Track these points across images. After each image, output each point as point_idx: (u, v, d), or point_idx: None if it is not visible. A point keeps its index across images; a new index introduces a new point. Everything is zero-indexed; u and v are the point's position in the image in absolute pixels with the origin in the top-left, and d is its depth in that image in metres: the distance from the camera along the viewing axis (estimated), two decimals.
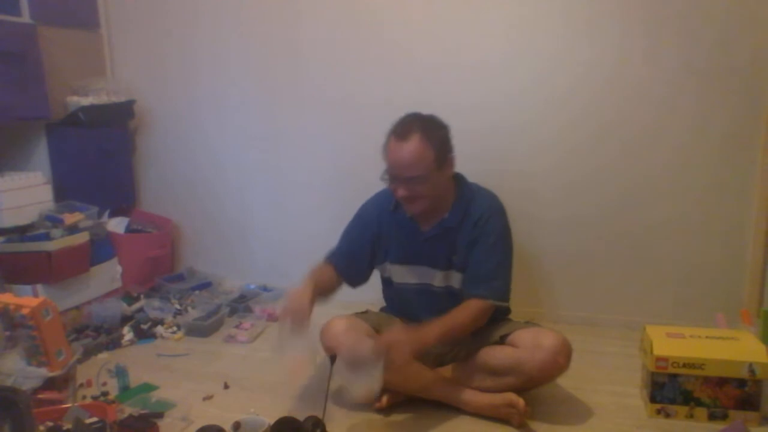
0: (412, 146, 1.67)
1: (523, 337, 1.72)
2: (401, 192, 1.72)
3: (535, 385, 1.73)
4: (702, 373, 1.68)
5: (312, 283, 1.76)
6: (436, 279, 1.85)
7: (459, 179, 1.85)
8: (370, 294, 2.09)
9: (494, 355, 1.74)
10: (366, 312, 1.97)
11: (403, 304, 1.93)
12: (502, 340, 1.77)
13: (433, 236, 1.81)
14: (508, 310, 1.93)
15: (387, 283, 1.96)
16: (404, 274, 1.89)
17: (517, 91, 2.39)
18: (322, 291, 1.83)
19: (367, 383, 1.57)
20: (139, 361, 2.13)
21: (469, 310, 1.73)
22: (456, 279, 1.83)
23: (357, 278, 1.95)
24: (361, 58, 2.57)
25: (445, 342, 1.75)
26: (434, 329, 1.68)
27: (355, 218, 1.96)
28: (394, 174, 1.71)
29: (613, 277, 2.42)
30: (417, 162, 1.67)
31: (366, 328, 1.79)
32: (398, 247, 1.87)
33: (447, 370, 1.85)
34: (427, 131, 1.69)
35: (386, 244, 1.89)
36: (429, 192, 1.72)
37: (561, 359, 1.66)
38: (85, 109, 2.61)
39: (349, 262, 1.92)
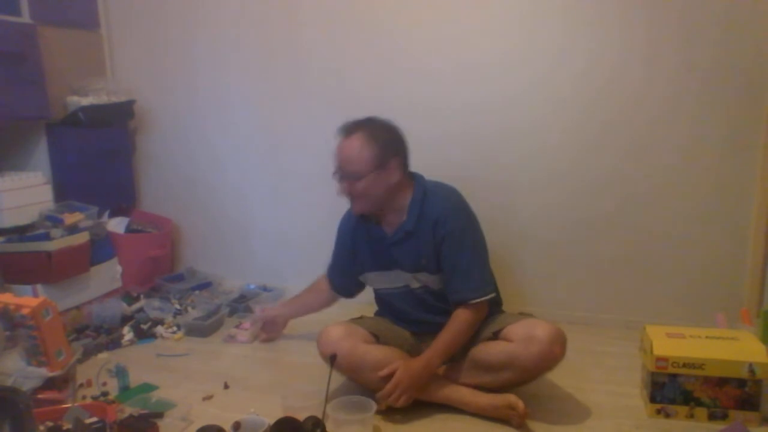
0: (353, 142, 1.77)
1: (516, 330, 1.71)
2: (340, 188, 1.82)
3: (532, 377, 1.73)
4: (702, 373, 1.68)
5: (285, 310, 2.26)
6: (411, 280, 1.86)
7: (417, 181, 1.86)
8: (371, 295, 2.09)
9: (488, 351, 1.74)
10: (361, 318, 1.97)
11: (391, 308, 1.94)
12: (495, 336, 1.77)
13: (397, 241, 1.84)
14: (498, 303, 1.93)
15: (374, 290, 2.00)
16: (382, 281, 1.91)
17: (517, 92, 2.39)
18: (305, 307, 2.24)
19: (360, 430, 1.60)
20: (139, 361, 2.13)
21: (459, 321, 1.77)
22: (430, 280, 1.84)
23: (351, 289, 2.07)
24: (361, 58, 2.57)
25: (450, 356, 1.79)
26: (435, 357, 1.73)
27: (336, 235, 2.04)
28: (337, 169, 1.81)
29: (613, 277, 2.42)
30: (355, 158, 1.76)
31: (363, 333, 1.79)
32: (371, 254, 1.91)
33: (442, 369, 1.85)
34: (371, 132, 1.78)
35: (362, 255, 1.93)
36: (366, 191, 1.78)
37: (556, 349, 1.66)
38: (85, 109, 2.61)
39: (341, 275, 2.05)
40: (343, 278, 2.06)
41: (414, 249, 1.82)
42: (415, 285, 1.86)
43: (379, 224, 1.88)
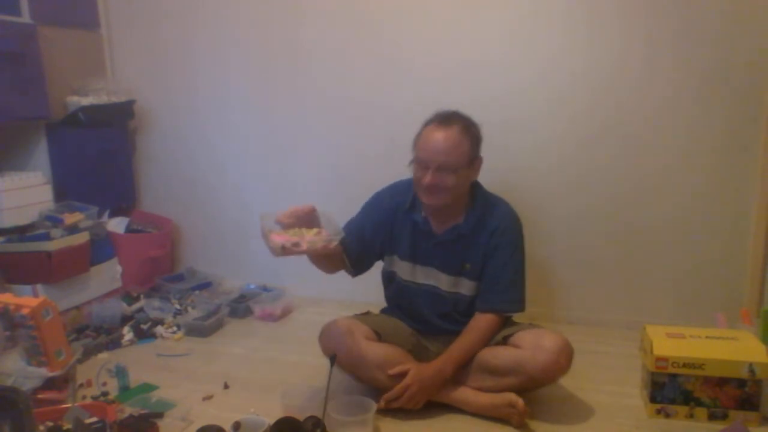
0: (452, 133, 1.70)
1: (524, 337, 1.73)
2: (428, 179, 1.71)
3: (536, 385, 1.73)
4: (702, 373, 1.68)
5: None
6: (444, 283, 1.86)
7: (475, 186, 1.87)
8: (371, 295, 2.09)
9: (495, 354, 1.75)
10: (367, 314, 1.97)
11: (406, 302, 1.94)
12: (504, 341, 1.77)
13: (446, 240, 1.83)
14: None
15: (390, 278, 1.96)
16: (411, 273, 1.89)
17: (516, 91, 2.39)
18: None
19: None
20: (139, 361, 2.13)
21: (482, 329, 1.78)
22: (466, 286, 1.85)
23: (359, 262, 1.90)
24: (361, 58, 2.57)
25: (463, 365, 1.78)
26: (449, 365, 1.73)
27: (370, 204, 1.93)
28: (427, 159, 1.71)
29: (613, 277, 2.42)
30: (454, 149, 1.70)
31: (365, 330, 1.79)
32: (409, 245, 1.88)
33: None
34: (467, 125, 1.75)
35: (397, 239, 1.89)
36: (454, 184, 1.72)
37: (562, 360, 1.66)
38: (85, 109, 2.61)
39: (356, 244, 1.88)
40: (358, 247, 1.87)
41: (461, 252, 1.82)
42: (447, 288, 1.86)
43: (427, 218, 1.85)
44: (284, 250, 1.50)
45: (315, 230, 1.57)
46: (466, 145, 1.72)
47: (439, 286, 1.86)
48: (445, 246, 1.83)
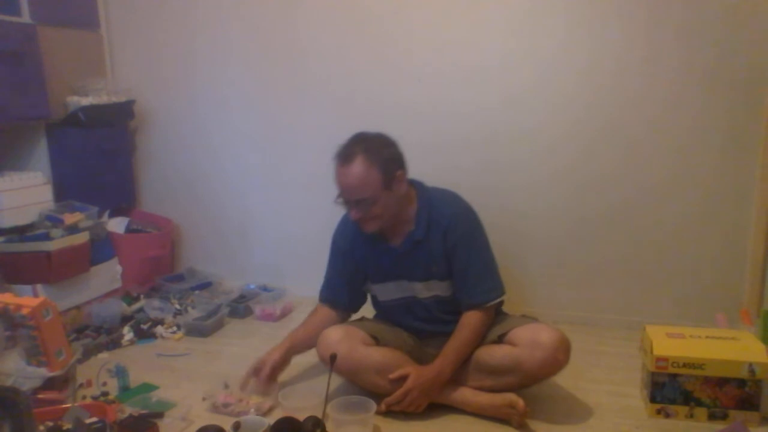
0: (356, 170, 1.68)
1: (520, 335, 1.72)
2: (354, 214, 1.73)
3: (534, 381, 1.74)
4: (702, 373, 1.68)
5: (287, 344, 1.88)
6: (419, 290, 1.84)
7: (418, 187, 1.84)
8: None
9: (493, 354, 1.74)
10: (361, 319, 1.97)
11: (393, 317, 1.93)
12: (500, 339, 1.77)
13: (406, 251, 1.81)
14: (500, 303, 1.92)
15: (374, 299, 1.98)
16: (387, 292, 1.89)
17: (517, 93, 2.39)
18: (308, 345, 1.89)
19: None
20: (139, 361, 2.13)
21: (472, 324, 1.77)
22: (440, 287, 1.83)
23: (354, 304, 1.98)
24: (361, 58, 2.57)
25: (462, 363, 1.78)
26: (447, 366, 1.72)
27: (331, 250, 1.96)
28: (344, 197, 1.73)
29: (613, 277, 2.42)
30: (363, 185, 1.68)
31: (362, 335, 1.79)
32: (375, 266, 1.87)
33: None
34: (370, 152, 1.69)
35: (364, 266, 1.89)
36: (381, 211, 1.72)
37: (560, 355, 1.66)
38: (85, 109, 2.61)
39: (340, 293, 1.94)
40: (343, 295, 1.94)
41: (424, 257, 1.80)
42: (424, 294, 1.84)
43: (383, 235, 1.83)
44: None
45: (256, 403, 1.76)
46: (373, 174, 1.68)
47: (416, 295, 1.85)
48: (406, 256, 1.81)
